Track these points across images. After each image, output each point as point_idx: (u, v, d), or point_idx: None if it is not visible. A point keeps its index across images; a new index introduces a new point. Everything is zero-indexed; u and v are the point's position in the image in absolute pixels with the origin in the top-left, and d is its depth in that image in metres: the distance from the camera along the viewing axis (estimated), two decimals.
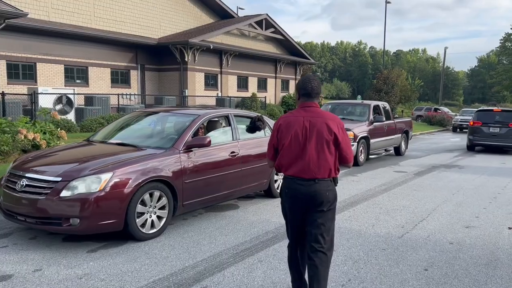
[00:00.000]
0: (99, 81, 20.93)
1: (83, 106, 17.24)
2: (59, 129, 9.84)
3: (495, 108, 16.11)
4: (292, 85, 31.15)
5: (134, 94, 21.96)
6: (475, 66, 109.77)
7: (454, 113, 35.38)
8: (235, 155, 5.86)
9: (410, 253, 4.55)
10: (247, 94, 26.41)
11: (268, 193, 6.82)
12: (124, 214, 4.40)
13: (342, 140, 3.02)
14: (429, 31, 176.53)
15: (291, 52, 30.06)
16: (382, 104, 12.85)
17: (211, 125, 6.12)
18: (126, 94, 21.43)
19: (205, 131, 6.10)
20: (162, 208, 4.83)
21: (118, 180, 4.38)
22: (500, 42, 48.09)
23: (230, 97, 23.27)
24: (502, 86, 48.53)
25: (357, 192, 7.66)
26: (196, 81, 23.27)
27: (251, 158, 6.18)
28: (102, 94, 18.89)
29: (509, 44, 47.10)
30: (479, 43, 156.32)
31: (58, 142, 9.45)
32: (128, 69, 22.34)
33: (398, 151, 13.47)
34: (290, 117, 3.11)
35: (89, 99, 17.74)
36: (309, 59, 31.48)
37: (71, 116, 16.60)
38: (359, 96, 45.01)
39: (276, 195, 6.83)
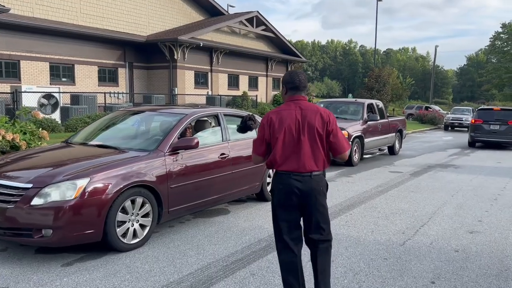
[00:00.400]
0: (86, 79, 20.39)
1: (69, 105, 16.71)
2: (40, 129, 9.35)
3: (495, 107, 17.14)
4: None
5: (122, 93, 21.45)
6: (464, 64, 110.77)
7: (445, 112, 35.36)
8: (225, 157, 5.49)
9: (414, 263, 4.22)
10: (238, 93, 26.01)
11: (261, 197, 6.47)
12: (103, 224, 4.00)
13: (335, 130, 2.99)
14: (418, 30, 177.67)
15: (282, 50, 29.73)
16: (376, 102, 12.56)
17: (199, 125, 5.74)
18: (114, 93, 20.91)
19: (193, 132, 5.72)
20: (146, 215, 4.44)
21: (96, 186, 3.98)
22: (490, 41, 48.35)
23: (220, 95, 22.88)
24: (492, 84, 48.76)
25: (353, 194, 7.33)
26: (185, 79, 22.82)
27: (243, 160, 5.82)
28: (89, 92, 18.36)
29: (499, 43, 47.31)
30: (468, 42, 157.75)
31: (39, 143, 8.99)
32: (116, 67, 21.82)
33: (392, 151, 13.21)
34: (281, 111, 3.02)
35: (75, 98, 17.20)
36: (300, 58, 31.18)
37: (56, 115, 16.08)
38: (350, 95, 44.86)
39: (269, 198, 6.48)
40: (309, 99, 30.11)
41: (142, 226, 4.43)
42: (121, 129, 5.60)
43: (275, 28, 27.79)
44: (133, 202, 4.29)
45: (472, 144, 16.40)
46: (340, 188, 7.82)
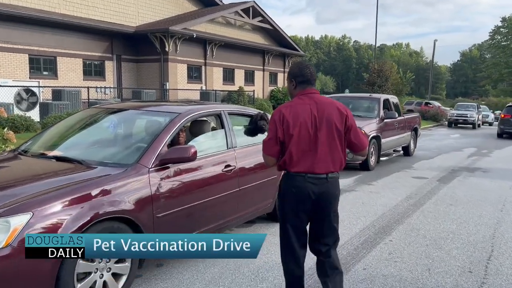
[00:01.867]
0: (70, 72, 18.85)
1: (50, 101, 15.20)
2: (5, 129, 7.89)
3: None
4: (280, 78, 29.45)
5: (109, 87, 19.94)
6: (458, 60, 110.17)
7: (448, 108, 34.27)
8: (231, 170, 4.14)
9: None
10: (234, 88, 24.60)
11: (274, 216, 5.12)
12: (54, 280, 2.64)
13: (354, 125, 2.81)
14: (412, 26, 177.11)
15: (279, 43, 28.34)
16: (391, 97, 11.27)
17: (196, 128, 4.39)
18: (100, 88, 19.40)
19: (188, 137, 4.37)
20: (121, 260, 3.08)
21: (43, 224, 2.61)
22: (490, 35, 47.34)
23: (215, 90, 21.45)
24: (491, 79, 47.84)
25: (383, 210, 6.03)
26: (178, 73, 21.35)
27: (253, 171, 4.49)
28: (73, 87, 16.84)
29: (499, 37, 46.35)
30: (460, 38, 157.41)
31: (5, 146, 7.59)
32: (102, 60, 20.29)
33: (407, 151, 11.95)
34: (294, 105, 2.77)
35: (57, 93, 15.68)
36: (299, 51, 29.84)
37: (35, 112, 14.59)
38: (347, 90, 43.66)
39: None
40: None
41: (116, 276, 3.07)
42: (91, 133, 4.21)
43: (272, 20, 26.38)
44: None
45: (500, 135, 19.19)
46: (365, 201, 6.51)
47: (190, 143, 3.95)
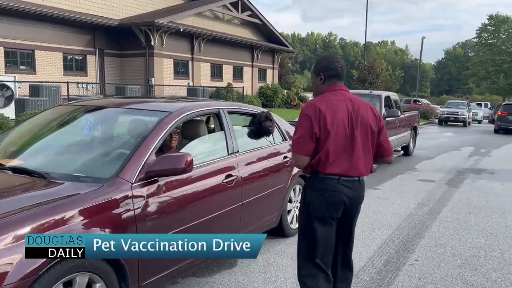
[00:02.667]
0: (49, 67, 17.82)
1: (27, 97, 14.21)
2: None
3: None
4: (269, 75, 28.75)
5: (92, 83, 18.96)
6: (442, 58, 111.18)
7: (437, 106, 34.08)
8: (233, 180, 3.43)
9: None
10: (222, 84, 23.81)
11: (279, 231, 4.43)
12: None
13: (385, 128, 2.67)
14: (396, 24, 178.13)
15: (268, 39, 27.61)
16: (392, 95, 10.68)
17: (191, 130, 3.66)
18: (82, 83, 18.40)
19: (180, 141, 3.64)
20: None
21: None
22: (476, 33, 47.39)
23: (203, 87, 20.64)
24: (477, 77, 47.95)
25: (397, 220, 5.39)
26: (164, 68, 20.47)
27: (257, 181, 3.79)
28: (52, 82, 15.84)
29: (486, 35, 46.43)
30: (444, 36, 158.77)
31: None
32: (84, 54, 19.29)
33: (406, 151, 11.39)
34: (330, 100, 2.51)
35: (35, 89, 14.68)
36: (288, 47, 29.18)
37: (10, 109, 13.60)
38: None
39: (290, 233, 4.49)
40: (296, 92, 27.91)
41: None
42: (61, 137, 3.42)
43: (261, 14, 25.64)
44: (69, 284, 2.19)
45: (497, 131, 20.63)
46: (375, 208, 5.87)
47: (184, 149, 3.22)
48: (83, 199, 2.34)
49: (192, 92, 19.73)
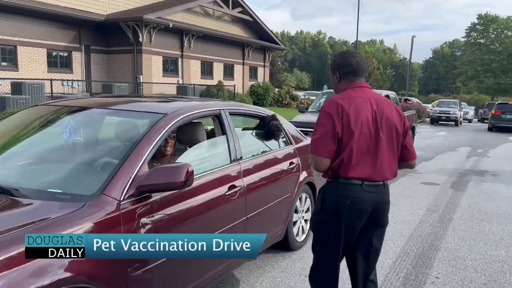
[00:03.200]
0: (32, 63, 17.11)
1: (8, 95, 13.55)
2: None
3: (510, 102, 21.90)
4: (260, 73, 28.30)
5: (77, 80, 18.29)
6: (430, 57, 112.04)
7: (429, 104, 34.03)
8: (237, 191, 2.99)
9: None
10: (213, 82, 23.30)
11: (284, 245, 4.01)
12: None
13: (409, 130, 2.46)
14: (384, 23, 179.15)
15: (260, 36, 27.14)
16: (391, 93, 10.33)
17: (188, 134, 3.21)
18: (67, 80, 17.74)
19: (176, 147, 3.19)
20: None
21: None
22: (466, 32, 47.56)
23: (193, 84, 20.10)
24: (466, 76, 48.17)
25: (408, 229, 5.00)
26: (152, 66, 19.88)
27: (263, 191, 3.36)
28: (35, 79, 15.18)
29: (475, 34, 46.63)
30: (431, 36, 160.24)
31: None
32: (69, 51, 18.59)
33: None
34: (352, 97, 2.30)
35: (17, 86, 14.03)
36: (279, 45, 28.75)
37: None
38: (325, 86, 43.02)
39: (296, 247, 4.08)
40: (288, 91, 27.39)
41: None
42: (36, 143, 2.92)
43: (252, 11, 25.16)
44: None
45: (491, 129, 21.35)
46: None
47: (181, 158, 2.77)
48: (58, 223, 1.87)
49: (182, 90, 19.20)
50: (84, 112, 3.15)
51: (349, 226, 2.30)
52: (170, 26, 19.40)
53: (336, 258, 2.39)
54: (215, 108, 3.19)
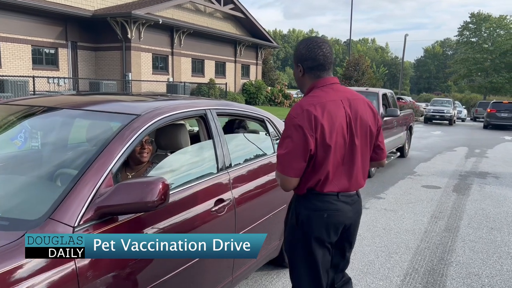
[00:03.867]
0: (16, 60, 16.48)
1: None
2: None
3: (504, 101, 23.41)
4: (253, 71, 27.84)
5: (64, 78, 17.69)
6: (421, 56, 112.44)
7: (422, 103, 33.85)
8: (225, 206, 2.54)
9: None
10: (204, 80, 22.80)
11: (279, 262, 3.57)
12: None
13: (381, 128, 2.22)
14: (376, 22, 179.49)
15: (252, 34, 26.67)
16: (388, 92, 9.94)
17: (168, 137, 2.75)
18: (53, 78, 17.13)
19: (155, 152, 2.73)
20: None
21: None
22: (458, 31, 47.44)
23: (184, 82, 19.59)
24: (459, 75, 48.10)
25: (414, 240, 4.59)
26: (142, 63, 19.32)
27: (256, 203, 2.92)
28: (18, 76, 14.58)
29: (467, 33, 46.54)
30: (423, 35, 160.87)
31: None
32: (55, 47, 17.97)
33: (402, 152, 10.67)
34: (324, 102, 1.98)
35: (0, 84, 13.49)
36: (272, 42, 28.30)
37: None
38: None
39: None
40: (280, 89, 27.04)
41: None
42: None
43: (244, 8, 24.66)
44: None
45: (486, 127, 22.52)
46: (385, 224, 5.06)
47: (157, 169, 2.31)
48: None
49: (172, 88, 18.69)
50: (46, 114, 2.66)
51: (326, 239, 2.08)
52: (160, 22, 18.86)
53: (319, 282, 2.13)
54: (200, 108, 2.72)
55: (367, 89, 9.59)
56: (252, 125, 4.08)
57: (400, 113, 9.93)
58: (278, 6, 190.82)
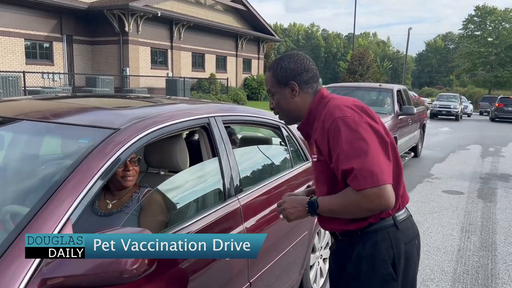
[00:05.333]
0: (8, 54, 15.82)
1: None
2: None
3: (511, 96, 25.12)
4: (255, 65, 27.14)
5: (59, 73, 17.03)
6: (423, 50, 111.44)
7: (426, 98, 33.19)
8: None
9: None
10: (204, 75, 22.13)
11: None
12: None
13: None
14: (378, 16, 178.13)
15: (253, 27, 25.95)
16: (402, 88, 9.30)
17: (161, 152, 2.13)
18: (48, 73, 16.47)
19: (145, 170, 2.12)
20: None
21: None
22: (463, 24, 46.57)
23: (184, 78, 18.90)
24: (463, 69, 47.32)
25: (448, 260, 3.98)
26: (140, 57, 18.65)
27: (273, 237, 2.30)
28: (10, 71, 13.93)
29: (472, 26, 45.67)
30: (424, 29, 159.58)
31: None
32: (50, 41, 17.30)
33: (415, 152, 10.06)
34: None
35: None
36: (274, 36, 27.60)
37: None
38: (320, 80, 42.00)
39: None
40: None
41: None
42: None
43: (246, 0, 23.92)
44: None
45: (493, 120, 24.43)
46: None
47: (144, 211, 1.69)
48: None
49: (172, 84, 18.03)
50: (4, 126, 2.02)
51: (412, 270, 1.64)
52: (159, 15, 18.16)
53: None
54: (201, 116, 2.09)
55: (380, 85, 8.94)
56: (256, 129, 3.47)
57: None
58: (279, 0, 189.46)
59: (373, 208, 1.44)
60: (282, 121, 2.79)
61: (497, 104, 24.64)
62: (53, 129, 1.79)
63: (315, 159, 1.60)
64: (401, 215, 1.61)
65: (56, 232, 1.25)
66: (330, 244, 3.34)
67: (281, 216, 1.71)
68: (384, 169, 1.42)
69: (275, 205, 2.37)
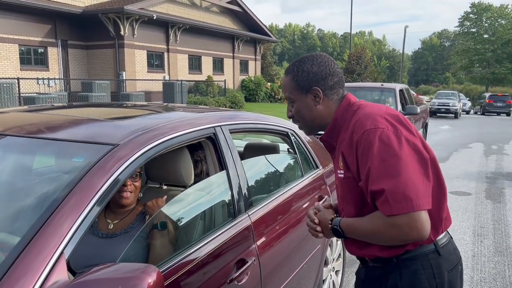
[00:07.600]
0: (2, 61, 15.60)
1: None
2: None
3: (499, 93, 29.65)
4: (251, 67, 26.97)
5: (54, 79, 16.79)
6: (419, 48, 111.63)
7: (424, 96, 33.11)
8: (248, 267, 1.75)
9: None
10: (201, 77, 21.94)
11: None
12: None
13: None
14: (373, 15, 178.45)
15: (250, 28, 25.77)
16: (405, 87, 9.16)
17: (163, 166, 1.96)
18: (43, 79, 16.25)
19: (144, 184, 1.94)
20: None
21: None
22: (459, 21, 46.58)
23: (181, 80, 18.71)
24: (460, 66, 47.32)
25: (465, 269, 3.77)
26: (136, 61, 18.44)
27: (285, 254, 2.13)
28: (4, 78, 13.73)
29: (468, 23, 45.69)
30: (419, 26, 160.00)
31: None
32: (44, 46, 17.07)
33: None
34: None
35: None
36: (271, 37, 27.40)
37: None
38: None
39: None
40: (281, 85, 26.29)
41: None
42: None
43: (242, 1, 23.76)
44: None
45: (483, 113, 28.13)
46: None
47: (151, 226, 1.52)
48: None
49: (169, 87, 17.83)
50: None
51: None
52: (154, 18, 17.97)
53: None
54: (207, 126, 1.91)
55: (382, 85, 8.80)
56: (261, 135, 3.30)
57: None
58: (275, 0, 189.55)
59: (403, 238, 1.26)
60: (291, 128, 2.63)
61: (487, 100, 28.38)
62: (42, 145, 1.62)
63: (341, 176, 1.41)
64: (442, 238, 1.41)
65: (46, 271, 1.07)
66: (343, 257, 3.16)
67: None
68: (420, 192, 1.23)
69: (286, 217, 2.21)
